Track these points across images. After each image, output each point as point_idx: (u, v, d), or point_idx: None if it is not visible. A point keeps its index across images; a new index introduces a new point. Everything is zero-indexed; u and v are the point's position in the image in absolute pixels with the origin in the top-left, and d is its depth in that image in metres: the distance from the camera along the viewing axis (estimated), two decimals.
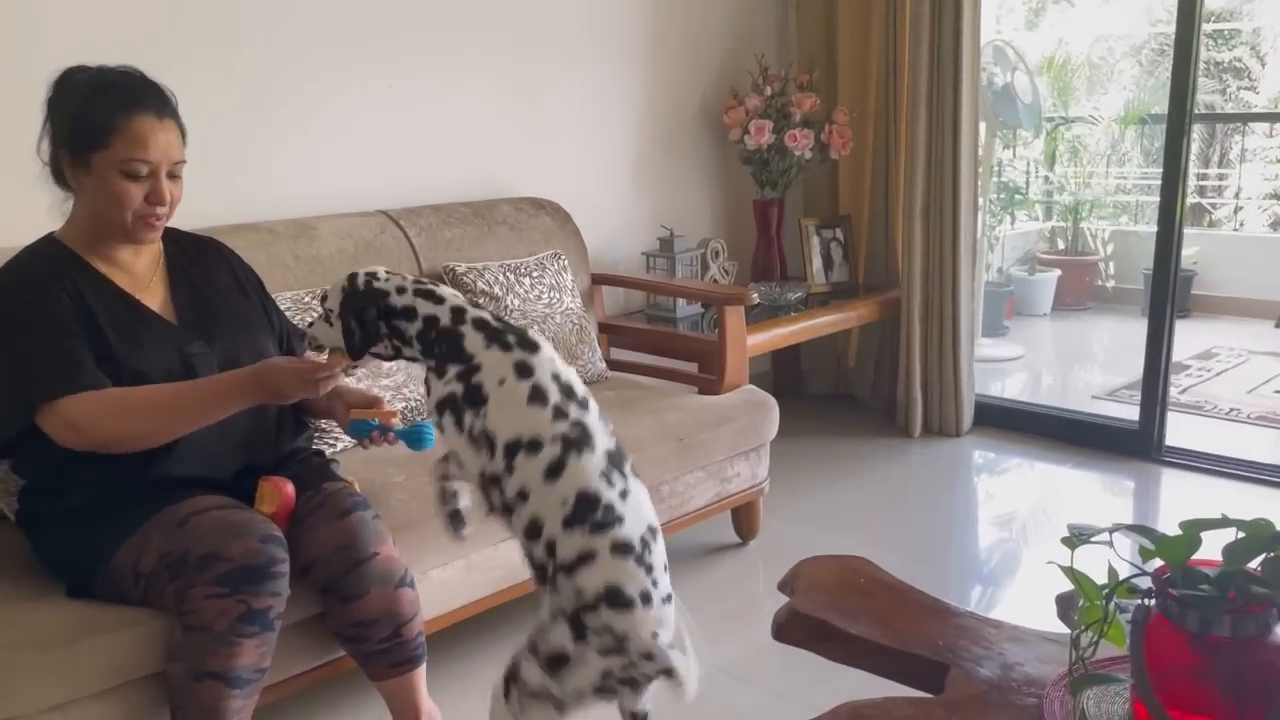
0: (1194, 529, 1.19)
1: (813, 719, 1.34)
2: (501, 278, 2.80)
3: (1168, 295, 3.45)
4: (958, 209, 3.61)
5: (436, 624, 2.13)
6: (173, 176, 1.77)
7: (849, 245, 3.96)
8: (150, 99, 1.74)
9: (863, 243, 3.96)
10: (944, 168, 3.60)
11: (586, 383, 1.75)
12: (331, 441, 2.30)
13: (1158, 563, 1.24)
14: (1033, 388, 4.80)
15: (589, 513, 1.51)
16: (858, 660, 1.55)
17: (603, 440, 1.58)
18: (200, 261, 1.96)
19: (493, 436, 1.56)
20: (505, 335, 1.62)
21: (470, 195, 3.13)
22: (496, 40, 3.21)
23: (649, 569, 1.53)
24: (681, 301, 3.47)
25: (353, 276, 1.70)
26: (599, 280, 3.28)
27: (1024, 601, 2.64)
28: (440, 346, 1.63)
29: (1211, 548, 1.20)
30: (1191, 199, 6.17)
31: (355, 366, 1.75)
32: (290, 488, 1.85)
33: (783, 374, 4.16)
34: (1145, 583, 1.24)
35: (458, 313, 1.64)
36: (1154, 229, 3.52)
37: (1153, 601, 1.22)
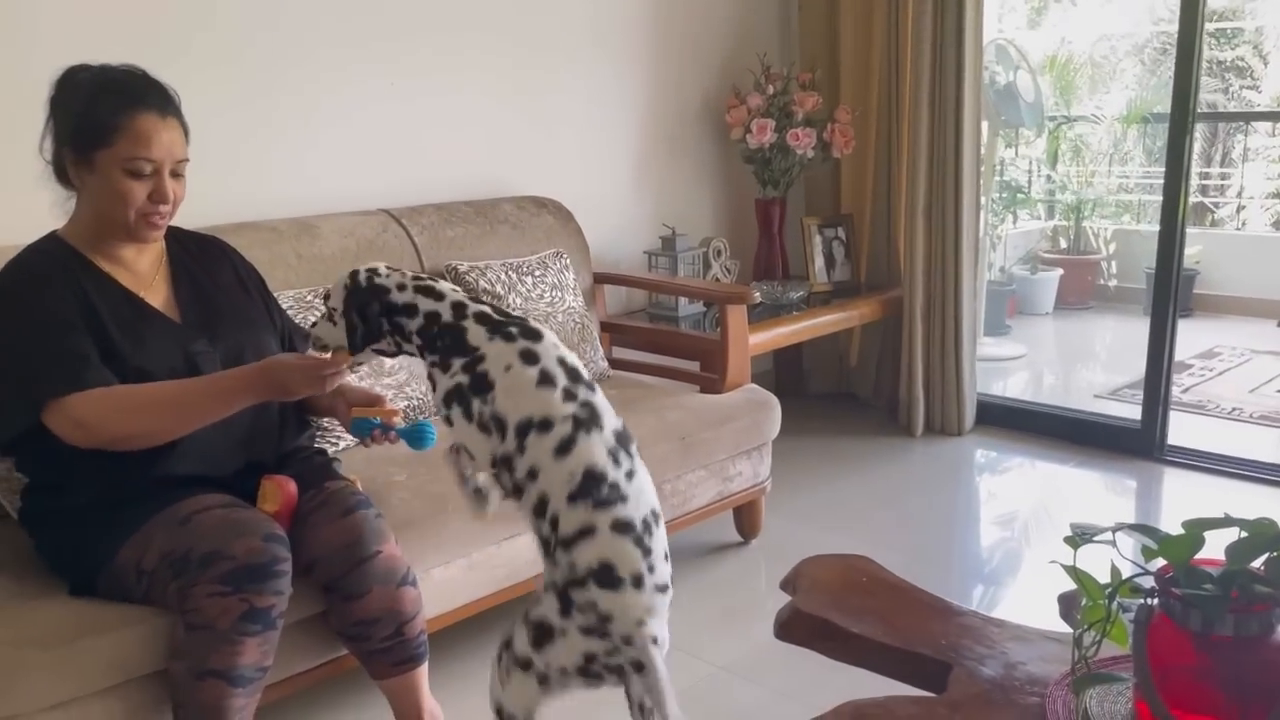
0: (1197, 528, 1.19)
1: (815, 718, 1.34)
2: (503, 276, 2.80)
3: (1170, 294, 3.45)
4: (960, 208, 3.61)
5: (438, 623, 2.14)
6: (176, 175, 1.77)
7: (851, 244, 3.96)
8: (153, 97, 1.74)
9: (865, 242, 3.96)
10: (946, 167, 3.60)
11: None
12: (333, 440, 2.30)
13: (1160, 562, 1.24)
14: (1035, 387, 4.80)
15: (594, 489, 1.52)
16: (860, 659, 1.55)
17: (611, 421, 1.60)
18: (203, 260, 1.97)
19: (504, 419, 1.57)
20: (508, 326, 1.63)
21: (472, 194, 3.13)
22: (499, 39, 3.21)
23: (647, 552, 1.53)
24: (683, 300, 3.47)
25: (354, 274, 1.71)
26: (601, 279, 3.28)
27: (1026, 601, 2.64)
28: (443, 341, 1.64)
29: (1214, 547, 1.20)
30: (1194, 198, 6.17)
31: (360, 363, 1.76)
32: (293, 486, 1.85)
33: (785, 373, 4.16)
34: (1148, 582, 1.24)
35: (458, 308, 1.66)
36: (1156, 228, 3.52)
37: (1156, 601, 1.22)
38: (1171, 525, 1.25)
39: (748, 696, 2.24)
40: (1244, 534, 1.19)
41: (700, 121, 3.85)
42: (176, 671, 1.65)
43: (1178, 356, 3.63)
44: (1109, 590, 1.26)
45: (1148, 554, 1.23)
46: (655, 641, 1.50)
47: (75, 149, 1.72)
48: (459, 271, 2.75)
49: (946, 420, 3.79)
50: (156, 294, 1.85)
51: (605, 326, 3.21)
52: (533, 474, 1.55)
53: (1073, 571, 1.28)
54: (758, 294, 3.43)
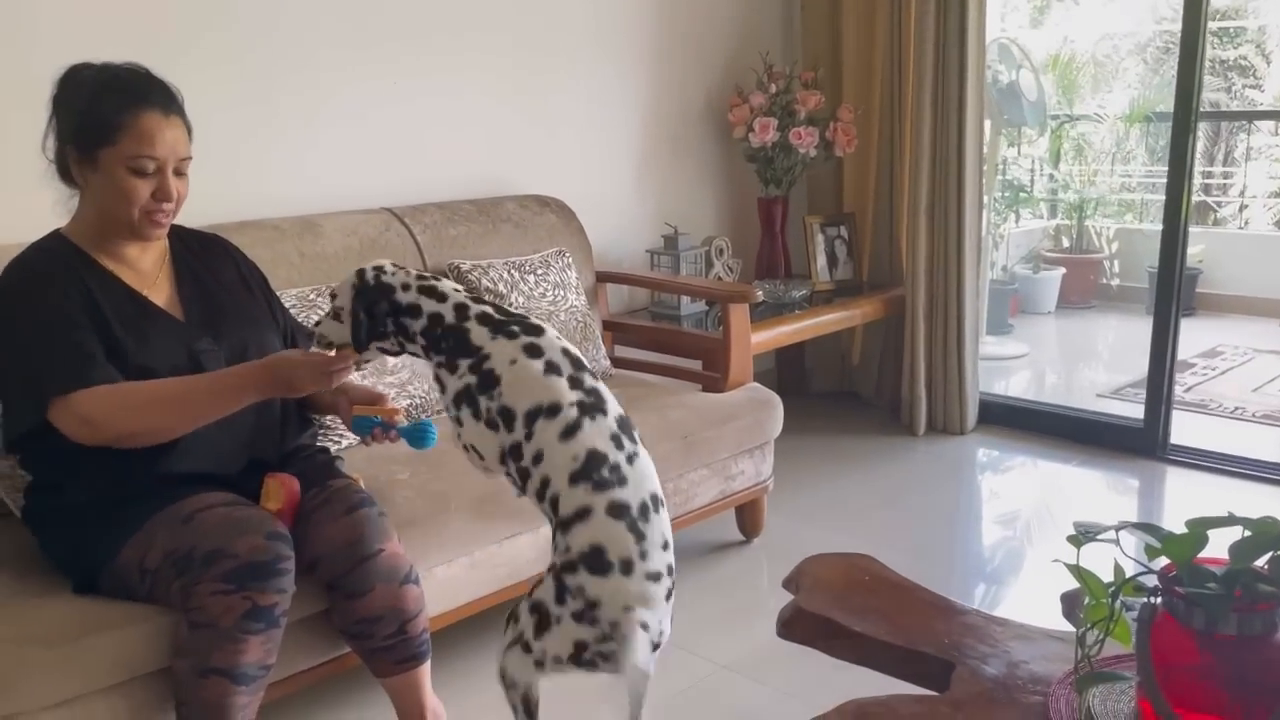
0: (1200, 527, 1.19)
1: (817, 717, 1.34)
2: (506, 275, 2.80)
3: (1173, 293, 3.44)
4: (962, 207, 3.61)
5: (441, 621, 2.14)
6: (179, 173, 1.77)
7: (853, 243, 3.95)
8: (157, 95, 1.74)
9: (867, 240, 3.96)
10: (949, 165, 3.60)
11: None
12: (336, 439, 2.30)
13: (1164, 561, 1.24)
14: (1037, 386, 4.80)
15: (594, 470, 1.57)
16: (863, 658, 1.55)
17: (614, 407, 1.66)
18: (205, 258, 1.97)
19: (512, 409, 1.62)
20: (510, 325, 1.68)
21: (475, 193, 3.13)
22: (501, 38, 3.21)
23: (640, 537, 1.55)
24: (686, 299, 3.47)
25: (361, 272, 1.73)
26: (603, 278, 3.28)
27: (1029, 599, 2.64)
28: (447, 343, 1.68)
29: (1218, 546, 1.20)
30: (1196, 197, 6.18)
31: (367, 360, 1.78)
32: (296, 484, 1.85)
33: (787, 372, 4.16)
34: (1151, 581, 1.24)
35: (461, 309, 1.70)
36: (1159, 227, 3.51)
37: (1159, 599, 1.22)
38: (1174, 524, 1.25)
39: (750, 695, 2.24)
40: (1247, 533, 1.19)
41: (703, 120, 3.85)
42: (180, 669, 1.65)
43: (1180, 356, 3.62)
44: (1112, 589, 1.25)
45: (1151, 553, 1.23)
46: (645, 628, 1.51)
47: (79, 147, 1.72)
48: (461, 270, 2.75)
49: (949, 419, 3.79)
50: (160, 292, 1.85)
51: (608, 325, 3.21)
52: (538, 458, 1.60)
53: (1076, 570, 1.28)
54: (760, 293, 3.43)
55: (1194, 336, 5.05)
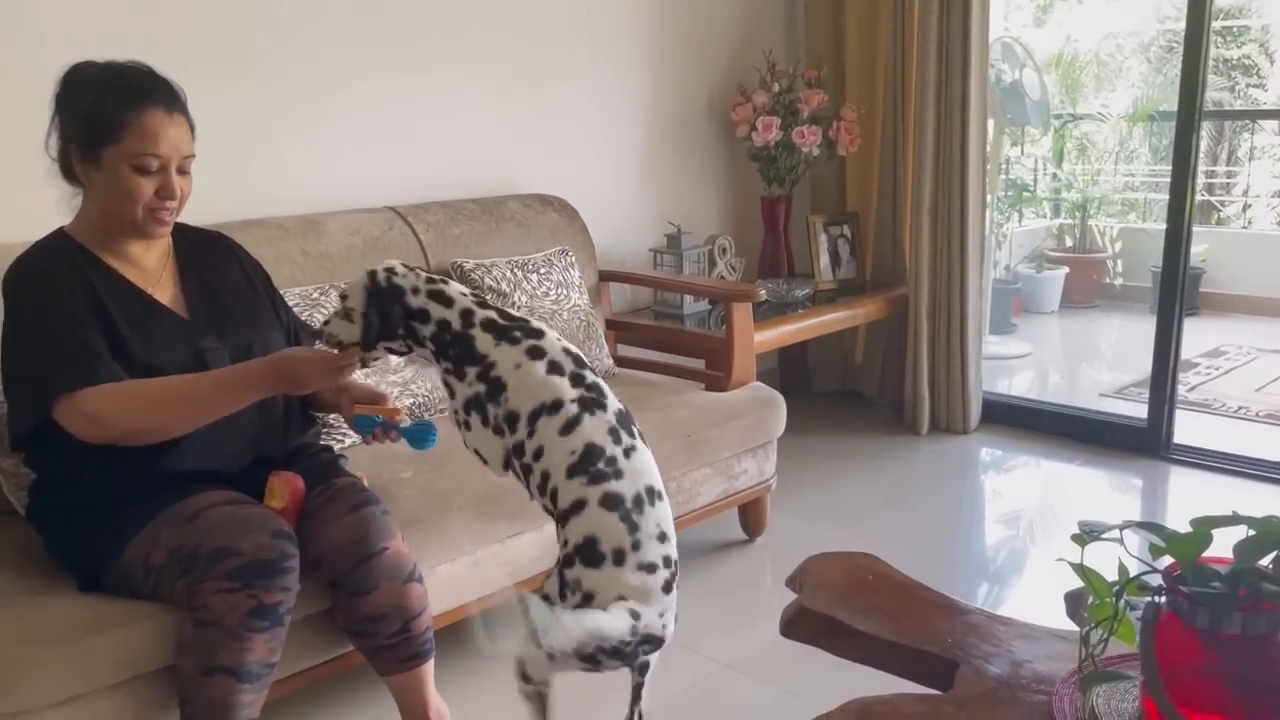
0: (1205, 526, 1.19)
1: (821, 716, 1.34)
2: (509, 274, 2.80)
3: (1176, 293, 3.44)
4: (965, 206, 3.60)
5: (445, 619, 2.14)
6: (182, 171, 1.77)
7: (856, 242, 3.95)
8: (160, 93, 1.74)
9: (870, 239, 3.96)
10: (952, 165, 3.60)
11: None
12: (339, 438, 2.30)
13: (1168, 560, 1.24)
14: (1040, 385, 4.79)
15: (591, 463, 1.61)
16: (866, 657, 1.55)
17: (614, 402, 1.70)
18: (209, 256, 1.97)
19: (517, 412, 1.67)
20: (512, 330, 1.73)
21: (478, 192, 3.13)
22: (505, 38, 3.20)
23: (634, 528, 1.58)
24: (689, 298, 3.47)
25: (373, 274, 1.76)
26: (606, 277, 3.28)
27: (1032, 599, 2.64)
28: (454, 350, 1.73)
29: (1222, 545, 1.20)
30: (1200, 196, 6.16)
31: (375, 359, 1.79)
32: (300, 483, 1.85)
33: (790, 371, 4.16)
34: (1156, 580, 1.24)
35: (466, 315, 1.74)
36: (1162, 226, 3.51)
37: (1163, 599, 1.22)
38: (1177, 524, 1.24)
39: (753, 694, 2.24)
40: (1252, 532, 1.19)
41: (705, 119, 3.84)
42: (184, 667, 1.65)
43: (1184, 355, 3.62)
44: (1116, 588, 1.25)
45: (1155, 552, 1.23)
46: (636, 616, 1.52)
47: (82, 145, 1.73)
48: (464, 269, 2.75)
49: (952, 418, 3.79)
50: (164, 290, 1.85)
51: (610, 324, 3.21)
52: (539, 454, 1.64)
53: (1080, 569, 1.28)
54: (763, 292, 3.43)
55: (1197, 336, 5.04)
